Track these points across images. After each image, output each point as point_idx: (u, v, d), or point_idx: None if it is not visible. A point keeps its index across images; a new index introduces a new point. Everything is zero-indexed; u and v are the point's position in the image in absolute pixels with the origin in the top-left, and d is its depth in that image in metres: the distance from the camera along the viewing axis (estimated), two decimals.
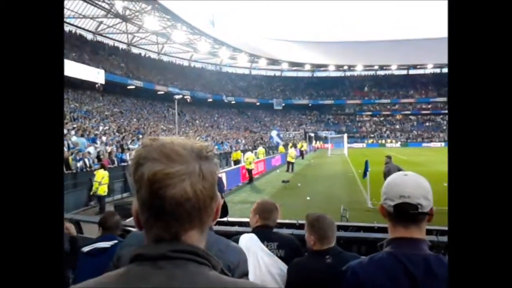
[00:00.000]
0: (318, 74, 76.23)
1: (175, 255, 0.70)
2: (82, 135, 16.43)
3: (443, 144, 55.66)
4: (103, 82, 33.54)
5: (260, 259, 2.15)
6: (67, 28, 37.67)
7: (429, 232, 4.31)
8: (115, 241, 2.83)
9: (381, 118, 69.63)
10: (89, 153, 13.92)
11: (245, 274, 1.32)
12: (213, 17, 58.15)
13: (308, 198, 12.18)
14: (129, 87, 40.18)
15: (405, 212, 1.23)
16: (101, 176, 10.78)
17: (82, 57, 34.09)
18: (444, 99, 66.93)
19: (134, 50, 51.76)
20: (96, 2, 37.50)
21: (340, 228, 4.47)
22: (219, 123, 52.88)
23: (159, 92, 44.78)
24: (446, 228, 4.74)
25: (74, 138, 14.99)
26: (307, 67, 70.39)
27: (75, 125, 18.68)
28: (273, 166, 24.55)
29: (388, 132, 65.07)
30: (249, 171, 17.17)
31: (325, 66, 70.51)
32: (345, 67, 71.97)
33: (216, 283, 0.70)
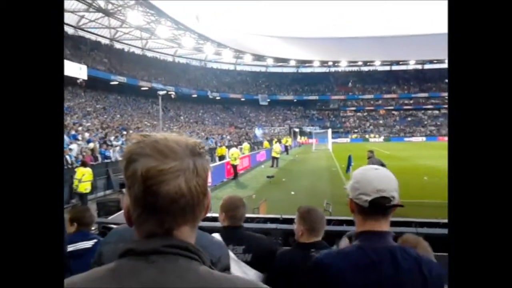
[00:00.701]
0: (303, 70, 76.56)
1: (168, 250, 0.70)
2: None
3: (424, 138, 56.80)
4: (85, 77, 32.94)
5: None
6: None
7: (408, 224, 4.48)
8: (95, 240, 2.82)
9: (365, 114, 70.43)
10: (70, 149, 13.72)
11: (227, 268, 1.35)
12: (198, 13, 57.67)
13: (292, 193, 12.33)
14: (112, 82, 39.58)
15: (381, 206, 1.26)
16: (82, 173, 10.55)
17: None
18: (426, 94, 68.18)
19: (117, 45, 50.93)
20: None
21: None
22: (204, 119, 52.66)
23: (143, 88, 44.25)
24: (426, 220, 4.91)
25: None
26: (292, 63, 70.59)
27: None
28: (258, 162, 24.64)
29: (371, 127, 65.91)
30: (234, 166, 17.22)
31: (310, 62, 70.84)
32: (330, 63, 72.46)
33: (207, 278, 0.70)
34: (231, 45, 58.46)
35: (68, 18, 41.21)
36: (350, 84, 73.93)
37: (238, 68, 72.98)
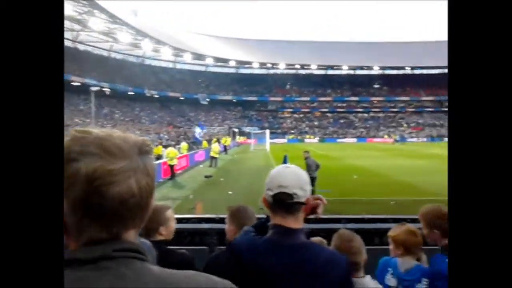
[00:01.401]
0: (243, 70, 77.22)
1: (119, 254, 0.66)
2: None
3: (355, 140, 60.20)
4: None
5: None
6: None
7: (337, 220, 4.75)
8: None
9: (301, 115, 72.90)
10: None
11: None
12: (136, 8, 55.52)
13: (230, 192, 12.40)
14: None
15: (282, 202, 1.27)
16: None
17: None
18: (357, 98, 72.39)
19: None
20: None
21: (257, 220, 4.70)
22: (141, 117, 50.88)
23: (74, 83, 41.57)
24: (354, 216, 5.24)
25: None
26: (232, 63, 70.86)
27: None
28: (196, 162, 24.40)
29: (307, 128, 68.39)
30: (171, 166, 16.87)
31: (249, 63, 71.66)
32: (269, 65, 73.93)
33: (166, 277, 0.67)
34: (170, 43, 57.13)
35: None
36: (287, 86, 76.07)
37: (178, 66, 71.54)
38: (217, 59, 68.32)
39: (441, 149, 35.55)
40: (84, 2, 38.11)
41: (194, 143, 37.15)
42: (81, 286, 0.62)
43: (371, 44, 77.69)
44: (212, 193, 12.20)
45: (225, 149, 32.34)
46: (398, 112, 72.00)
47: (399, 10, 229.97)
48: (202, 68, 74.34)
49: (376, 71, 76.82)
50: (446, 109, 70.04)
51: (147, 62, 67.57)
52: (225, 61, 69.54)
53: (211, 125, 61.55)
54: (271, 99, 72.70)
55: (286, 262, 1.22)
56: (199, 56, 65.80)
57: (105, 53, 58.78)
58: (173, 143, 25.96)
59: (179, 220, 4.49)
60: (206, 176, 16.56)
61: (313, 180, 10.56)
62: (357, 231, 4.72)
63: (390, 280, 2.18)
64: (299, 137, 62.29)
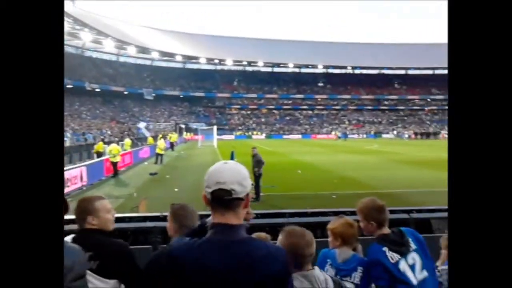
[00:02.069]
0: (190, 66, 75.97)
1: None
2: None
3: (300, 136, 61.84)
4: None
5: None
6: None
7: (281, 214, 4.88)
8: None
9: (248, 112, 73.40)
10: None
11: (81, 277, 1.25)
12: None
13: (176, 189, 12.20)
14: None
15: (221, 198, 1.26)
16: None
17: None
18: (302, 96, 74.36)
19: None
20: None
21: (203, 217, 4.69)
22: (81, 112, 48.16)
23: None
24: (297, 210, 5.41)
25: None
26: (179, 58, 69.40)
27: None
28: (141, 159, 23.65)
29: (254, 124, 69.02)
30: (114, 164, 16.20)
31: (196, 58, 70.65)
32: (216, 61, 73.42)
33: None
34: (113, 34, 54.57)
35: None
36: (235, 83, 76.16)
37: (121, 59, 68.58)
38: (163, 53, 66.50)
39: (379, 145, 37.70)
40: None
41: (139, 140, 35.94)
42: None
43: (315, 44, 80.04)
44: (157, 191, 11.93)
45: (171, 145, 31.68)
46: (340, 109, 75.08)
47: (341, 12, 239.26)
48: (147, 62, 71.97)
49: (320, 69, 79.39)
50: (384, 107, 74.40)
51: (88, 54, 64.03)
52: (171, 55, 67.91)
53: (157, 121, 59.91)
54: (218, 95, 72.36)
55: (227, 258, 1.22)
56: (144, 50, 63.61)
57: None
58: (116, 139, 24.88)
59: (122, 219, 4.36)
60: (151, 174, 16.12)
61: (260, 176, 10.70)
62: (300, 224, 4.88)
63: (329, 270, 2.26)
64: (246, 134, 62.69)
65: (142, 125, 43.65)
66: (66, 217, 1.96)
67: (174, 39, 69.16)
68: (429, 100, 75.46)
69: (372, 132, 64.23)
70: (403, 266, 2.10)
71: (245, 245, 1.26)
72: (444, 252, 2.68)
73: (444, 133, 56.42)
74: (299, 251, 1.83)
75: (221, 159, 17.21)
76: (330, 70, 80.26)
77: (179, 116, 65.38)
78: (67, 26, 46.52)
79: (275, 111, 74.11)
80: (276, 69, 79.90)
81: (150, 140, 32.62)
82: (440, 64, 75.33)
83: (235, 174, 1.29)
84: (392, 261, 2.09)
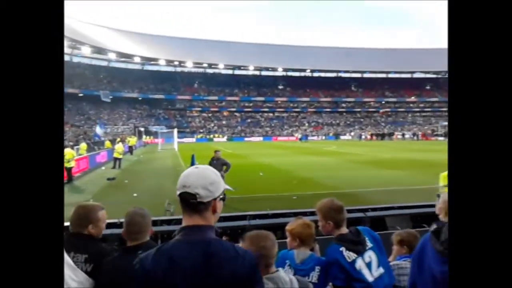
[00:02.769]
0: (149, 67, 74.26)
1: None
2: None
3: (261, 138, 62.30)
4: None
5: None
6: None
7: (242, 217, 4.91)
8: None
9: (210, 114, 72.93)
10: None
11: None
12: None
13: (135, 194, 11.90)
14: None
15: (186, 201, 1.30)
16: None
17: None
18: (262, 98, 74.97)
19: None
20: None
21: (163, 222, 4.62)
22: None
23: None
24: (259, 212, 5.46)
25: None
26: (137, 59, 67.63)
27: None
28: (98, 163, 22.80)
29: (216, 127, 68.67)
30: (68, 169, 15.51)
31: (155, 60, 69.21)
32: (176, 63, 72.33)
33: None
34: (66, 33, 52.21)
35: None
36: (196, 85, 75.39)
37: (75, 59, 65.72)
38: (121, 54, 64.52)
39: (338, 146, 38.80)
40: None
41: (96, 144, 34.61)
42: None
43: (275, 47, 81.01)
44: (115, 196, 11.57)
45: (130, 149, 30.81)
46: (300, 112, 76.46)
47: (299, 16, 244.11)
48: (104, 63, 69.53)
49: (279, 72, 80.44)
50: (342, 109, 76.67)
51: None
52: (129, 56, 66.03)
53: (115, 124, 58.02)
54: (179, 97, 71.28)
55: (195, 258, 1.23)
56: (99, 50, 61.42)
57: None
58: (71, 143, 23.79)
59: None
60: (108, 179, 15.60)
61: (223, 178, 10.66)
62: (261, 226, 4.95)
63: (288, 271, 2.27)
64: (208, 136, 62.24)
65: (98, 129, 42.06)
66: None
67: (132, 39, 67.32)
68: (383, 102, 78.69)
69: (331, 134, 65.94)
70: (360, 264, 2.17)
71: (213, 246, 1.27)
72: (395, 248, 2.81)
73: (398, 134, 59.03)
74: (267, 253, 1.88)
75: (182, 163, 17.07)
76: (290, 73, 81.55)
77: (138, 119, 63.71)
78: None
79: (236, 114, 74.16)
80: (237, 72, 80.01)
81: (107, 144, 31.51)
82: (392, 69, 78.96)
83: (201, 179, 1.32)
84: (349, 260, 2.16)
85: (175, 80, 73.62)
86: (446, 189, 5.83)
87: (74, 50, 61.33)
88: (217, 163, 10.89)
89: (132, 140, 33.87)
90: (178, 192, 1.33)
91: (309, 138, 59.10)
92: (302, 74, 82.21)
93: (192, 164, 11.58)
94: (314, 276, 2.24)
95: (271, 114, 75.36)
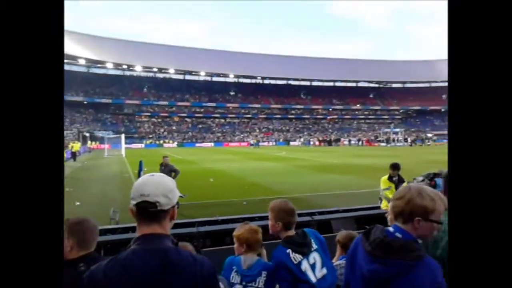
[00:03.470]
0: (95, 70, 71.15)
1: None
2: None
3: (212, 144, 61.97)
4: None
5: None
6: None
7: (191, 224, 4.86)
8: None
9: (159, 119, 71.29)
10: None
11: None
12: None
13: (78, 203, 11.31)
14: None
15: (145, 210, 1.29)
16: None
17: None
18: (214, 104, 74.73)
19: None
20: None
21: (108, 231, 4.44)
22: None
23: None
24: (207, 218, 5.43)
25: None
26: (82, 61, 64.57)
27: None
28: None
29: (166, 133, 67.22)
30: None
31: (102, 62, 66.52)
32: (124, 66, 70.00)
33: None
34: None
35: None
36: (145, 89, 73.44)
37: None
38: (64, 56, 61.19)
39: (287, 151, 39.61)
40: None
41: None
42: None
43: (226, 53, 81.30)
44: None
45: (73, 155, 29.27)
46: (251, 118, 77.13)
47: (252, 24, 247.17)
48: None
49: (231, 79, 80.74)
50: (291, 116, 78.49)
51: None
52: (73, 58, 62.87)
53: None
54: (127, 102, 68.95)
55: (152, 266, 1.22)
56: None
57: None
58: None
59: None
60: None
61: None
62: (210, 233, 4.92)
63: (234, 277, 2.31)
64: (157, 142, 60.73)
65: None
66: None
67: (75, 41, 64.20)
68: (330, 109, 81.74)
69: (281, 140, 67.18)
70: (305, 266, 2.23)
71: (171, 254, 1.27)
72: (338, 249, 2.94)
73: (344, 140, 61.46)
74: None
75: (130, 169, 16.46)
76: (241, 80, 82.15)
77: (83, 124, 60.74)
78: None
79: (187, 119, 73.17)
80: (188, 77, 79.15)
81: None
82: (339, 78, 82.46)
83: (160, 187, 1.32)
84: (295, 262, 2.21)
85: (123, 84, 71.19)
86: (386, 193, 6.19)
87: None
88: (165, 169, 10.65)
89: (76, 146, 32.18)
90: (135, 202, 1.30)
91: (261, 144, 59.75)
92: (253, 81, 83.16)
93: (140, 170, 11.24)
94: (261, 281, 2.26)
95: (222, 120, 75.27)
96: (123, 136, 40.16)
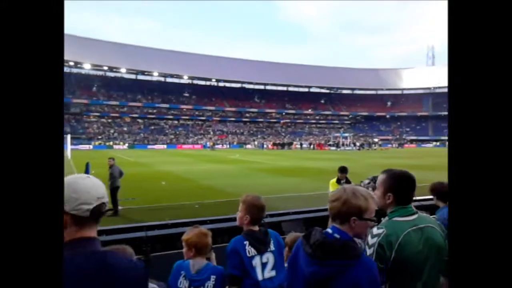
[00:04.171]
0: None
1: None
2: None
3: (165, 146, 60.69)
4: None
5: None
6: None
7: (139, 228, 4.75)
8: None
9: (109, 120, 68.61)
10: None
11: None
12: None
13: None
14: None
15: (99, 213, 1.28)
16: None
17: None
18: (167, 105, 73.27)
19: None
20: None
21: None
22: None
23: None
24: (157, 222, 5.33)
25: None
26: None
27: None
28: None
29: (116, 134, 64.81)
30: None
31: None
32: (71, 63, 66.59)
33: None
34: None
35: None
36: (94, 88, 70.38)
37: None
38: None
39: (241, 154, 39.78)
40: None
41: None
42: None
43: (180, 54, 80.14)
44: None
45: None
46: (205, 120, 76.53)
47: (208, 27, 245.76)
48: None
49: (185, 80, 79.66)
50: (246, 119, 78.95)
51: None
52: None
53: None
54: (74, 101, 65.63)
55: (86, 270, 1.20)
56: None
57: None
58: None
59: None
60: None
61: (117, 189, 10.13)
62: (160, 237, 4.83)
63: (182, 282, 2.29)
64: (107, 143, 58.36)
65: None
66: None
67: None
68: (283, 113, 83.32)
69: (235, 143, 67.28)
70: (256, 262, 2.29)
71: (109, 256, 1.26)
72: (286, 249, 3.03)
73: (296, 144, 62.84)
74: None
75: (75, 171, 15.71)
76: (195, 81, 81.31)
77: None
78: None
79: (139, 120, 71.07)
80: (140, 77, 76.96)
81: None
82: (292, 82, 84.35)
83: (103, 188, 1.33)
84: (248, 255, 2.27)
85: (70, 82, 67.64)
86: None
87: None
88: (110, 171, 10.34)
89: None
90: (90, 206, 1.25)
91: (215, 146, 59.41)
92: (208, 83, 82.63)
93: (87, 172, 10.78)
94: (209, 285, 2.27)
95: (175, 122, 73.94)
96: (68, 136, 38.20)
